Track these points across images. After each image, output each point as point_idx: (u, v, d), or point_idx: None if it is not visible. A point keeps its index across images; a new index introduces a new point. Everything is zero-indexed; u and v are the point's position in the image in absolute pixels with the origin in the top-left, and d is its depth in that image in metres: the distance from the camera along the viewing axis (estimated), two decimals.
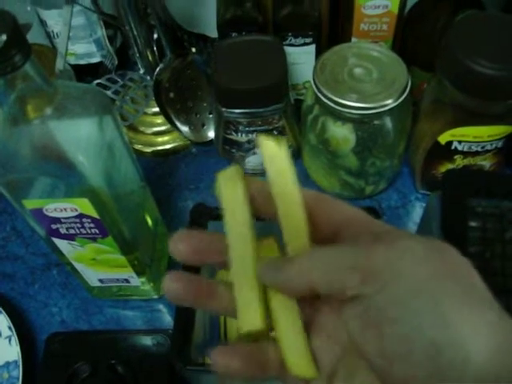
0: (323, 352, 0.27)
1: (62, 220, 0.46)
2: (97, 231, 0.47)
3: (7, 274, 0.63)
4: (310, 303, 0.28)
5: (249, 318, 0.27)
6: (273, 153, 0.28)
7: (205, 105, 0.64)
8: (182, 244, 0.28)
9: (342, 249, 0.26)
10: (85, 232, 0.48)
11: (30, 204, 0.44)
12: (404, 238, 0.25)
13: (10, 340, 0.56)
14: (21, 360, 0.55)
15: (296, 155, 0.66)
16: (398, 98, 0.53)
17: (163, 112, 0.62)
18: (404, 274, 0.23)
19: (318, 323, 0.28)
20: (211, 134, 0.64)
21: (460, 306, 0.22)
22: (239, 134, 0.60)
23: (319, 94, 0.54)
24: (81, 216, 0.45)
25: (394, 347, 0.23)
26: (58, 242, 0.49)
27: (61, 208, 0.44)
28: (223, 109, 0.57)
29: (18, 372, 0.54)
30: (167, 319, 0.59)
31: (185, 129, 0.63)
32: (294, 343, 0.27)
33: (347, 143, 0.56)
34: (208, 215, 0.47)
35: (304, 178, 0.66)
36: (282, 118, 0.59)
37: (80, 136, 0.42)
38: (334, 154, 0.58)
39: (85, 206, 0.44)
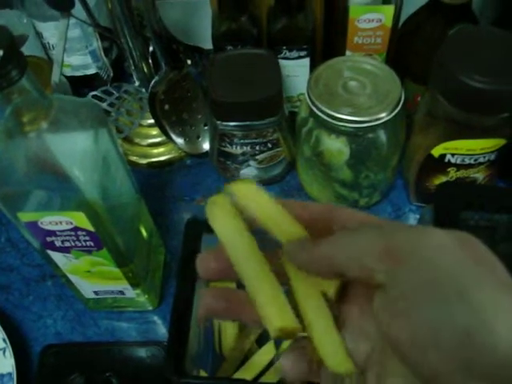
0: (353, 348, 0.27)
1: (57, 233, 0.46)
2: (92, 244, 0.47)
3: (2, 286, 0.63)
4: (336, 299, 0.28)
5: (279, 315, 0.26)
6: (244, 191, 0.29)
7: (200, 117, 0.64)
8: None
9: (369, 233, 0.25)
10: (80, 245, 0.48)
11: (25, 217, 0.44)
12: (430, 227, 0.25)
13: (4, 352, 0.56)
14: (15, 372, 0.55)
15: (290, 167, 0.66)
16: (392, 111, 0.54)
17: (158, 124, 0.62)
18: (432, 259, 0.23)
19: (345, 320, 0.28)
20: (206, 146, 0.65)
21: (489, 291, 0.22)
22: (234, 147, 0.60)
23: (313, 107, 0.55)
24: (76, 229, 0.45)
25: (425, 335, 0.23)
26: (53, 254, 0.49)
27: (56, 221, 0.45)
28: (218, 121, 0.57)
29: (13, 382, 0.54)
30: (162, 331, 0.59)
31: (180, 141, 0.64)
32: (328, 339, 0.27)
33: (341, 156, 0.56)
34: (202, 229, 0.47)
35: (298, 190, 0.66)
36: (277, 131, 0.59)
37: (75, 149, 0.42)
38: (328, 167, 0.58)
39: (80, 219, 0.44)
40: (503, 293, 0.22)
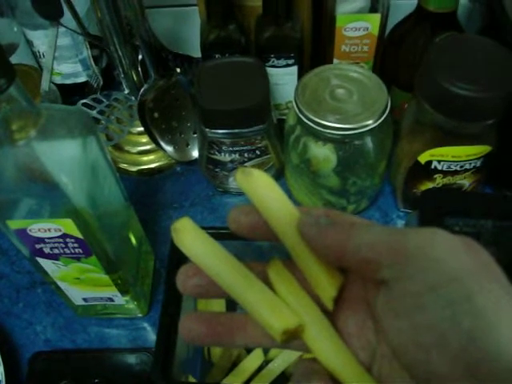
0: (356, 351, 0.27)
1: (46, 240, 0.46)
2: (80, 251, 0.48)
3: None
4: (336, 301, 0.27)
5: (276, 317, 0.26)
6: (262, 182, 0.28)
7: (189, 124, 0.65)
8: None
9: (381, 228, 0.25)
10: (69, 252, 0.48)
11: (14, 224, 0.44)
12: (438, 230, 0.25)
13: None
14: (4, 380, 0.55)
15: (279, 174, 0.67)
16: (379, 118, 0.54)
17: (148, 132, 0.63)
18: (439, 261, 0.23)
19: (342, 329, 0.28)
20: (195, 154, 0.65)
21: (493, 297, 0.22)
22: (222, 154, 0.61)
23: (301, 115, 0.55)
24: (64, 236, 0.46)
25: (429, 337, 0.23)
26: (42, 261, 0.50)
27: (45, 228, 0.45)
28: (206, 129, 0.58)
29: None
30: (151, 338, 0.59)
31: (169, 148, 0.64)
32: (330, 346, 0.27)
33: (328, 163, 0.57)
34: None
35: (289, 195, 0.67)
36: (265, 138, 0.60)
37: (64, 157, 0.43)
38: (316, 174, 0.58)
39: (69, 226, 0.44)
40: (506, 299, 0.23)
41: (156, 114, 0.63)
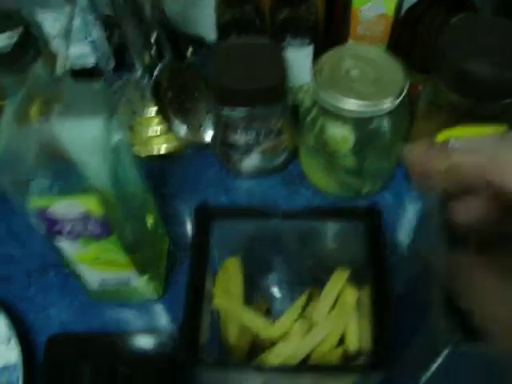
0: None
1: (67, 219, 0.46)
2: (101, 230, 0.47)
3: (3, 277, 0.62)
4: None
5: None
6: None
7: (202, 106, 0.64)
8: None
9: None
10: (89, 231, 0.47)
11: (35, 203, 0.44)
12: None
13: (8, 342, 0.56)
14: (20, 363, 0.54)
15: (292, 157, 0.67)
16: (396, 98, 0.54)
17: (161, 111, 0.62)
18: None
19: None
20: (208, 135, 0.65)
21: None
22: (237, 135, 0.60)
23: (318, 96, 0.55)
24: (86, 215, 0.45)
25: None
26: (60, 242, 0.49)
27: (66, 207, 0.44)
28: (222, 109, 0.57)
29: (18, 375, 0.54)
30: (166, 320, 0.59)
31: (182, 129, 0.64)
32: None
33: (346, 143, 0.56)
34: (211, 215, 0.47)
35: (301, 179, 0.67)
36: (281, 119, 0.59)
37: (86, 136, 0.42)
38: (333, 155, 0.58)
39: (91, 204, 0.44)
40: None
41: (169, 95, 0.62)
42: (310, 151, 0.61)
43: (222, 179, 0.67)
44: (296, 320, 0.55)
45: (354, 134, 0.56)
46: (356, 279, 0.52)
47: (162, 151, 0.68)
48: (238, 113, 0.57)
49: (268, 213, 0.46)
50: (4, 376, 0.54)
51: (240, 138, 0.60)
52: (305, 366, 0.48)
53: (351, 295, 0.55)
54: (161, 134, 0.68)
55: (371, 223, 0.46)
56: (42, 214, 0.45)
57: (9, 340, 0.56)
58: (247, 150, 0.62)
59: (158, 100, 0.61)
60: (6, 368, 0.55)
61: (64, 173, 0.43)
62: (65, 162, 0.42)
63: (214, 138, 0.63)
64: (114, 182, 0.44)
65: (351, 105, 0.53)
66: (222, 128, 0.60)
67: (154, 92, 0.60)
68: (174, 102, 0.63)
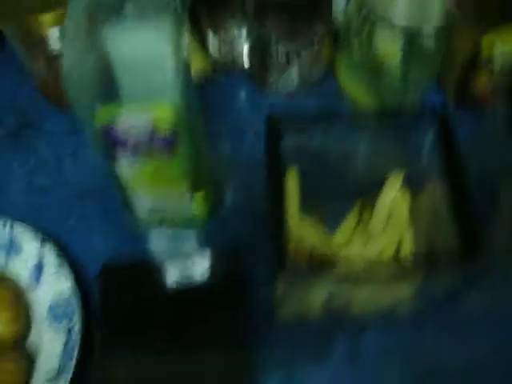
0: None
1: (133, 134, 0.44)
2: (168, 144, 0.45)
3: (39, 208, 0.60)
4: None
5: None
6: None
7: (238, 22, 0.62)
8: None
9: None
10: (155, 146, 0.46)
11: (103, 116, 0.42)
12: None
13: (61, 271, 0.54)
14: (74, 294, 0.53)
15: (327, 73, 0.65)
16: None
17: (195, 27, 0.59)
18: None
19: None
20: (243, 54, 0.63)
21: None
22: (277, 52, 0.58)
23: (366, 4, 0.53)
24: (155, 128, 0.43)
25: None
26: (120, 160, 0.47)
27: (136, 119, 0.42)
28: (263, 23, 0.55)
29: (73, 307, 0.52)
30: (217, 242, 0.58)
31: (215, 47, 0.61)
32: None
33: (394, 55, 0.56)
34: (282, 126, 0.46)
35: (338, 98, 0.65)
36: (322, 32, 0.58)
37: (159, 46, 0.40)
38: (379, 67, 0.57)
39: (162, 116, 0.42)
40: None
41: (204, 8, 0.59)
42: (352, 66, 0.60)
43: (256, 101, 0.66)
44: (353, 231, 0.55)
45: (403, 45, 0.55)
46: (409, 185, 0.53)
47: (193, 72, 0.66)
48: (281, 29, 0.56)
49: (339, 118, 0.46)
50: (59, 308, 0.53)
51: (280, 53, 0.59)
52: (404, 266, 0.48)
53: (405, 202, 0.55)
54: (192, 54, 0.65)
55: (440, 123, 0.46)
56: (109, 129, 0.43)
57: (59, 271, 0.54)
58: (286, 66, 0.61)
59: (192, 17, 0.58)
60: (59, 300, 0.53)
61: (133, 85, 0.41)
62: (135, 74, 0.40)
63: (250, 55, 0.61)
64: (185, 95, 0.43)
65: (402, 13, 0.52)
66: (260, 44, 0.58)
67: (189, 12, 0.58)
68: (208, 18, 0.60)
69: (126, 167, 0.48)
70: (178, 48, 0.41)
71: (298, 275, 0.43)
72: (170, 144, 0.45)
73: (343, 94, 0.65)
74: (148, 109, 0.42)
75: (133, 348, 0.51)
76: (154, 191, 0.52)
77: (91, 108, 0.42)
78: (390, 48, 0.55)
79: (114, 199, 0.54)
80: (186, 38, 0.43)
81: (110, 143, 0.45)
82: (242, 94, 0.66)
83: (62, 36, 0.40)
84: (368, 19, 0.55)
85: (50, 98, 0.65)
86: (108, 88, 0.41)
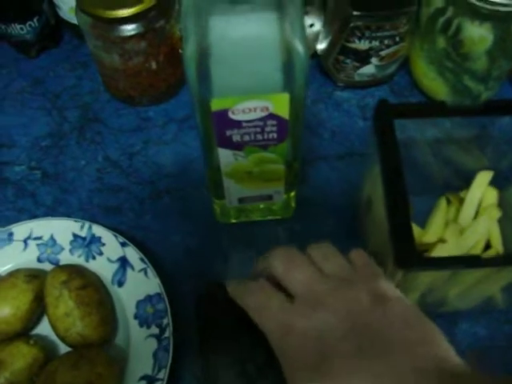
0: None
1: (244, 124, 0.42)
2: (276, 136, 0.44)
3: (112, 208, 0.58)
4: None
5: None
6: None
7: (317, 10, 0.60)
8: None
9: None
10: (260, 138, 0.44)
11: (217, 104, 0.40)
12: None
13: (145, 272, 0.52)
14: (163, 291, 0.51)
15: (400, 67, 0.64)
16: None
17: None
18: None
19: None
20: (319, 42, 0.61)
21: None
22: (362, 42, 0.57)
23: None
24: (268, 117, 0.42)
25: None
26: (222, 152, 0.45)
27: (251, 108, 0.41)
28: (354, 12, 0.54)
29: (165, 305, 0.50)
30: (300, 237, 0.56)
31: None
32: None
33: (483, 44, 0.55)
34: (392, 112, 0.44)
35: (409, 90, 0.64)
36: (409, 22, 0.57)
37: (280, 34, 0.38)
38: (465, 57, 0.56)
39: (280, 103, 0.41)
40: None
41: None
42: (433, 56, 0.59)
43: (329, 92, 0.64)
44: (444, 227, 0.54)
45: (492, 34, 0.54)
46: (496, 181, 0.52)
47: None
48: (370, 16, 0.54)
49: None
50: (149, 306, 0.51)
51: (364, 44, 0.57)
52: None
53: (493, 197, 0.54)
54: None
55: None
56: (220, 116, 0.41)
57: (145, 271, 0.52)
58: (366, 57, 0.59)
59: None
60: (148, 298, 0.51)
61: (251, 74, 0.39)
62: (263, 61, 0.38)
63: (330, 46, 0.59)
64: (301, 85, 0.41)
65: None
66: (346, 34, 0.57)
67: None
68: None
69: (226, 158, 0.46)
70: (302, 35, 0.39)
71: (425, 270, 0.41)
72: (281, 133, 0.43)
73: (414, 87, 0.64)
74: (264, 98, 0.40)
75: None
76: (247, 185, 0.50)
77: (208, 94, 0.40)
78: (478, 37, 0.54)
79: (189, 199, 0.56)
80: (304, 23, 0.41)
81: (219, 129, 0.43)
82: (313, 87, 0.65)
83: (183, 25, 0.38)
84: (458, 11, 0.54)
85: (117, 93, 0.63)
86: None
